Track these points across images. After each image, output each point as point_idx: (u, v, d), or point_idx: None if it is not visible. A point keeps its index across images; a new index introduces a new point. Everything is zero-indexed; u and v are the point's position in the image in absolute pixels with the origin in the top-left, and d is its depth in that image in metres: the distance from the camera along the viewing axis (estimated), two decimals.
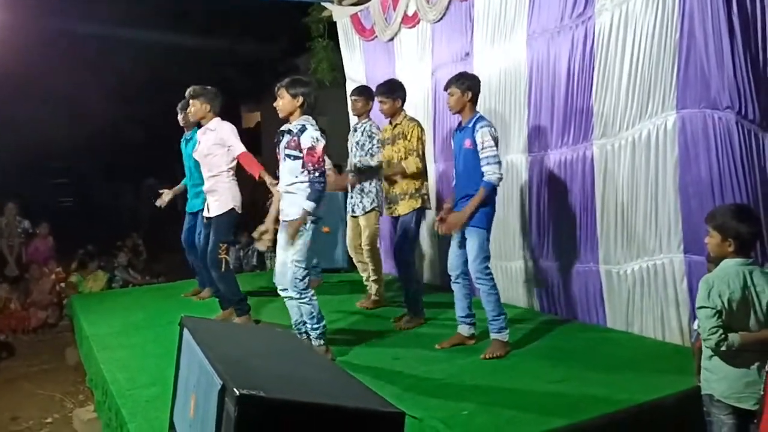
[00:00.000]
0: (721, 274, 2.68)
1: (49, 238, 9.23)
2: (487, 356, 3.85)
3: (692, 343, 3.22)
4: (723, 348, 2.60)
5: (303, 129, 3.81)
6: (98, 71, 11.65)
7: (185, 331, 2.69)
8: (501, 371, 3.67)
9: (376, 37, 6.51)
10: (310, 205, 3.77)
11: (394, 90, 4.74)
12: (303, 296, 3.83)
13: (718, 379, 2.69)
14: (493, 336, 3.95)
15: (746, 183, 3.56)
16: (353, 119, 5.48)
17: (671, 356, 3.75)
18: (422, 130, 4.68)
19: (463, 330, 4.18)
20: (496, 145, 3.89)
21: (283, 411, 1.95)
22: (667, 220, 3.96)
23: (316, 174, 3.78)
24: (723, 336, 2.59)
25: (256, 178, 4.63)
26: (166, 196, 5.69)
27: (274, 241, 4.07)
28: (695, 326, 2.85)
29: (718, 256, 2.75)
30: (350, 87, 6.62)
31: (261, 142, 15.82)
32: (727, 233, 2.70)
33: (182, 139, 5.63)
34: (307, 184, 3.80)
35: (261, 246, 3.90)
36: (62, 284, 8.08)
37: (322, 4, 7.47)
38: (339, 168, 6.65)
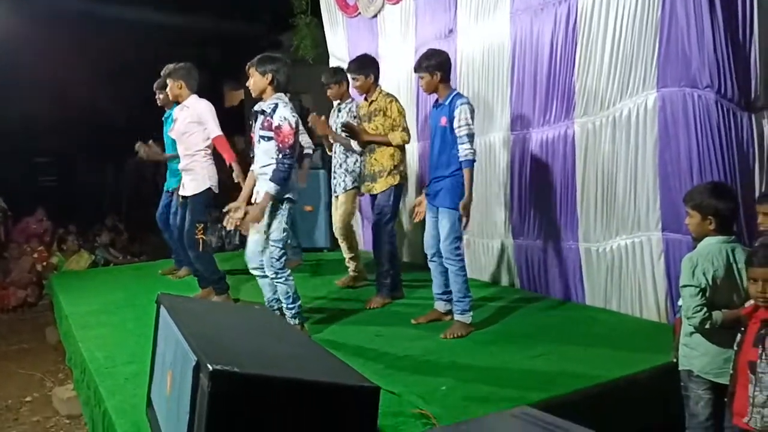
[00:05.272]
0: (704, 252, 2.69)
1: (45, 221, 9.01)
2: (447, 336, 3.85)
3: (676, 319, 3.24)
4: (707, 326, 2.62)
5: (275, 108, 3.75)
6: (80, 50, 11.43)
7: (162, 309, 2.68)
8: (480, 348, 3.69)
9: (360, 13, 6.43)
10: (271, 187, 3.70)
11: (364, 66, 4.66)
12: (279, 276, 3.81)
13: (699, 356, 2.72)
14: (456, 317, 3.96)
15: (725, 162, 3.57)
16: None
17: (648, 332, 3.80)
18: (400, 104, 4.62)
19: (440, 306, 4.20)
20: (473, 121, 3.86)
21: (257, 386, 1.95)
22: (645, 198, 3.98)
23: (282, 155, 3.70)
24: (707, 314, 2.61)
25: (227, 163, 4.58)
26: (150, 148, 5.47)
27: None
28: (680, 303, 2.87)
29: (700, 235, 2.77)
30: (333, 64, 6.55)
31: (245, 121, 15.66)
32: (706, 211, 2.72)
33: (163, 118, 5.56)
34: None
35: (229, 225, 3.75)
36: (44, 263, 8.00)
37: None
38: (322, 146, 6.60)
